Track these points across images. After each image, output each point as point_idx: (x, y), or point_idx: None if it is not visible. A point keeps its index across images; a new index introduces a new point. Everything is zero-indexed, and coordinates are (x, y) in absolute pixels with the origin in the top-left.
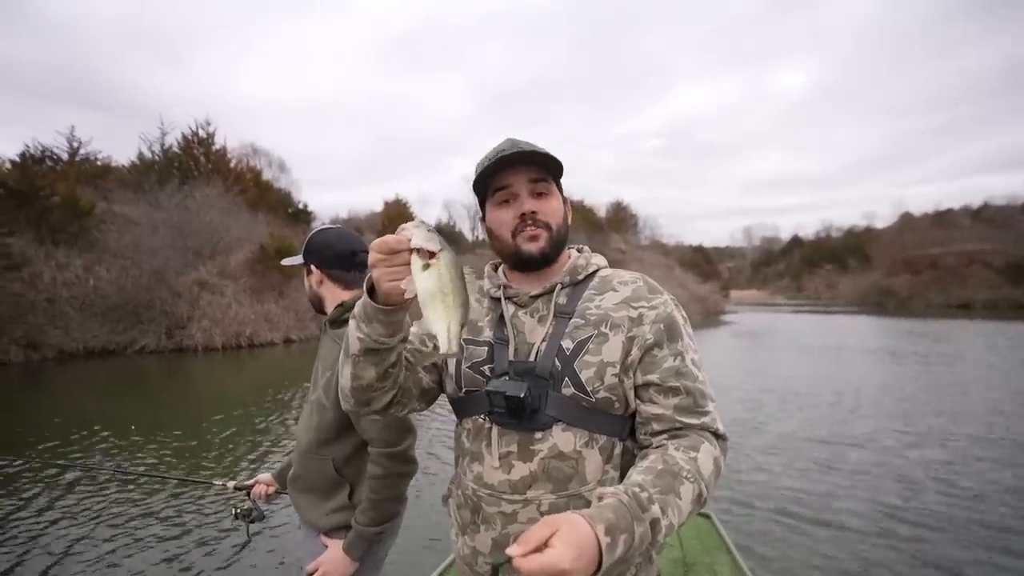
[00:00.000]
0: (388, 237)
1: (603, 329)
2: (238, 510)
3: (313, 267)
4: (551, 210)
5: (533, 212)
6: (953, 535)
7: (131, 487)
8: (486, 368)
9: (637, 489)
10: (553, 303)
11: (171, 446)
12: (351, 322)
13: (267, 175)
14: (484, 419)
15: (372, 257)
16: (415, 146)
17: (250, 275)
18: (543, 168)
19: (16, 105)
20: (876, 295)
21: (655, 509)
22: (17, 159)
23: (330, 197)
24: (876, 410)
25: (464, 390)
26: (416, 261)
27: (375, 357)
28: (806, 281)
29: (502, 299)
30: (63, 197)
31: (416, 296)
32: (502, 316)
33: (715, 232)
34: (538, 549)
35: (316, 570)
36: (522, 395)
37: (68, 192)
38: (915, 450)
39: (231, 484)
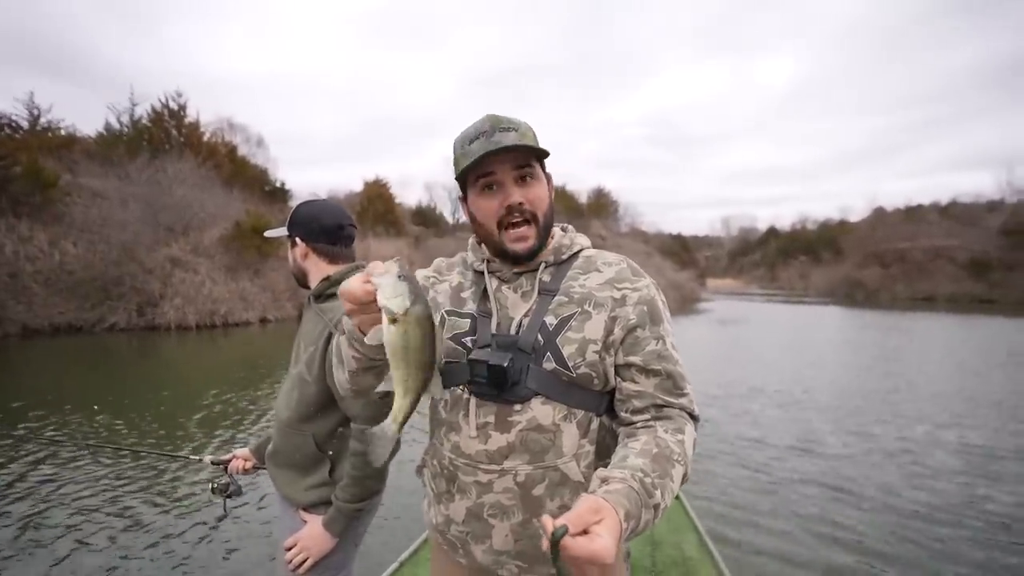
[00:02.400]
0: (356, 288)
1: (586, 307)
2: (215, 484)
3: (298, 240)
4: (537, 198)
5: (520, 203)
6: (903, 512)
7: (104, 462)
8: (468, 340)
9: (641, 475)
10: (537, 280)
11: (144, 423)
12: (343, 339)
13: (243, 151)
14: (462, 390)
15: (345, 306)
16: (396, 127)
17: (225, 253)
18: (528, 153)
19: None
20: (846, 287)
21: (658, 495)
22: None
23: (309, 176)
24: (837, 398)
25: (444, 360)
26: (383, 311)
27: (373, 370)
28: (780, 271)
29: (485, 273)
30: (25, 167)
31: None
32: (485, 290)
33: (694, 221)
34: (583, 533)
35: (294, 545)
36: (505, 364)
37: (30, 162)
38: (873, 434)
39: (208, 458)
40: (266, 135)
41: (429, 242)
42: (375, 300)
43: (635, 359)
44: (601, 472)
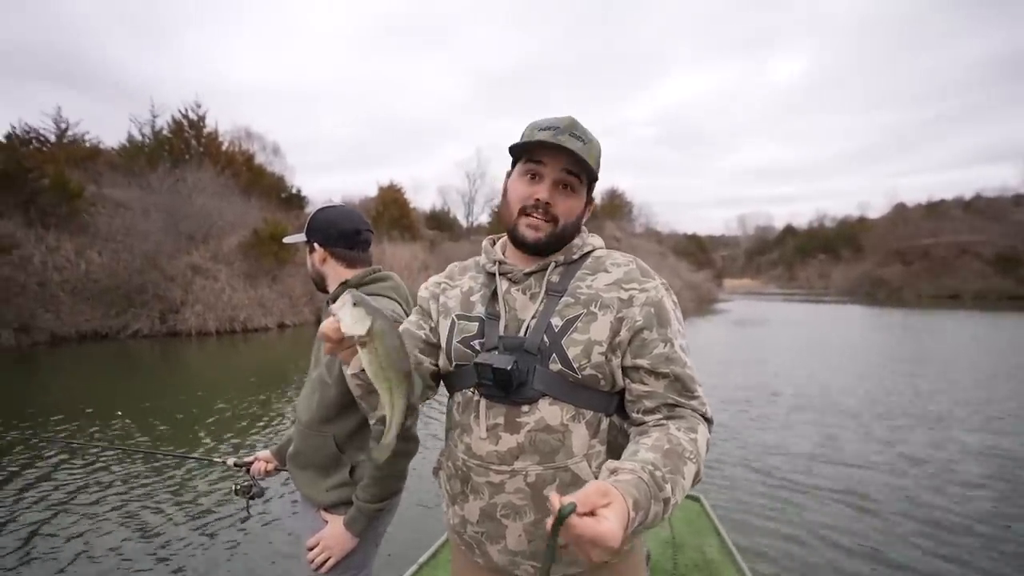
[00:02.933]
0: (326, 328)
1: (592, 308)
2: (238, 486)
3: (316, 245)
4: (566, 208)
5: (547, 203)
6: (927, 521)
7: (129, 465)
8: (476, 343)
9: (652, 467)
10: (545, 281)
11: (166, 427)
12: (345, 369)
13: (260, 159)
14: (473, 392)
15: (324, 348)
16: (408, 131)
17: (243, 260)
18: (579, 164)
19: None
20: (867, 285)
21: (668, 489)
22: (4, 140)
23: (323, 182)
24: (861, 399)
25: (455, 364)
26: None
27: (375, 392)
28: (799, 270)
29: (496, 274)
30: (52, 179)
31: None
32: (495, 292)
33: (710, 220)
34: (590, 514)
35: (316, 544)
36: (509, 368)
37: (57, 174)
38: (898, 440)
39: (231, 461)
40: (281, 142)
41: (444, 246)
42: (341, 337)
43: (642, 362)
44: (611, 463)
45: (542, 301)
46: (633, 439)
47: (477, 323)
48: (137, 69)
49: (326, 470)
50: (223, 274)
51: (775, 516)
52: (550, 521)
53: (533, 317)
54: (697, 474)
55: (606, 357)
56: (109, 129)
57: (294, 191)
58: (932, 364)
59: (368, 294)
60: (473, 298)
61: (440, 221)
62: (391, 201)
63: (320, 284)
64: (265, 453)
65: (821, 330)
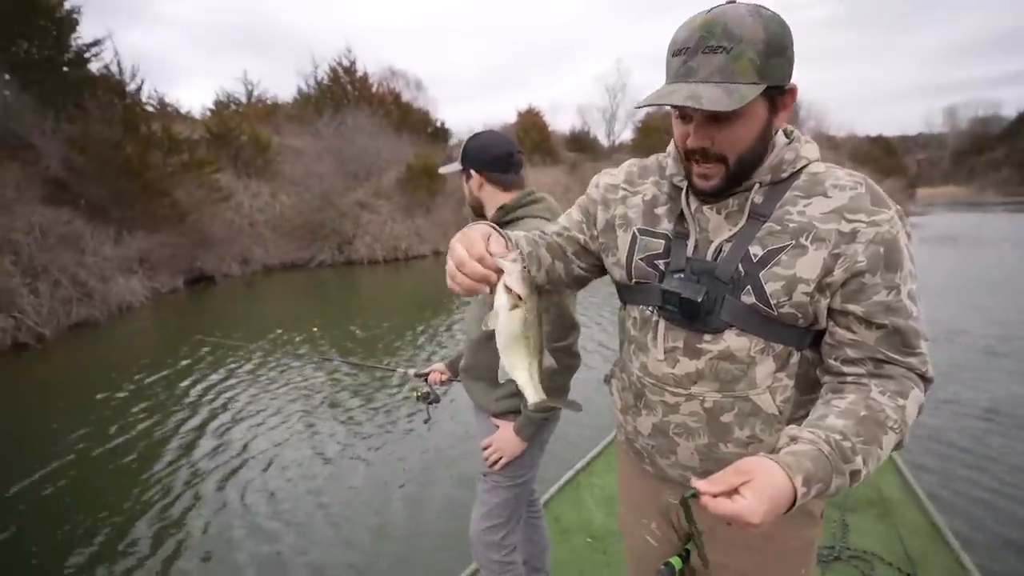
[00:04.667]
0: (472, 265)
1: (802, 240)
2: (419, 393)
3: (473, 172)
4: (731, 140)
5: (703, 149)
6: None
7: (324, 372)
8: (661, 263)
9: (839, 437)
10: (748, 202)
11: (351, 343)
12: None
13: (406, 96)
14: (652, 312)
15: (450, 264)
16: (545, 51)
17: (400, 194)
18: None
19: (196, 60)
20: None
21: (858, 461)
22: (213, 107)
23: (463, 111)
24: None
25: (634, 280)
26: (503, 297)
27: None
28: None
29: (685, 190)
30: (249, 135)
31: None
32: (684, 207)
33: (902, 117)
34: (727, 494)
35: (490, 446)
36: (699, 299)
37: (252, 131)
38: None
39: (411, 372)
40: (423, 76)
41: (585, 167)
42: (493, 272)
43: (855, 308)
44: (791, 430)
45: (742, 224)
46: (823, 398)
47: (663, 241)
48: (299, 26)
49: (495, 382)
50: (384, 208)
51: (964, 456)
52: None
53: (728, 241)
54: (899, 444)
55: (811, 297)
56: (282, 85)
57: (439, 125)
58: None
59: (524, 216)
60: (658, 210)
61: (580, 142)
62: (530, 126)
63: (478, 210)
64: (440, 365)
65: None
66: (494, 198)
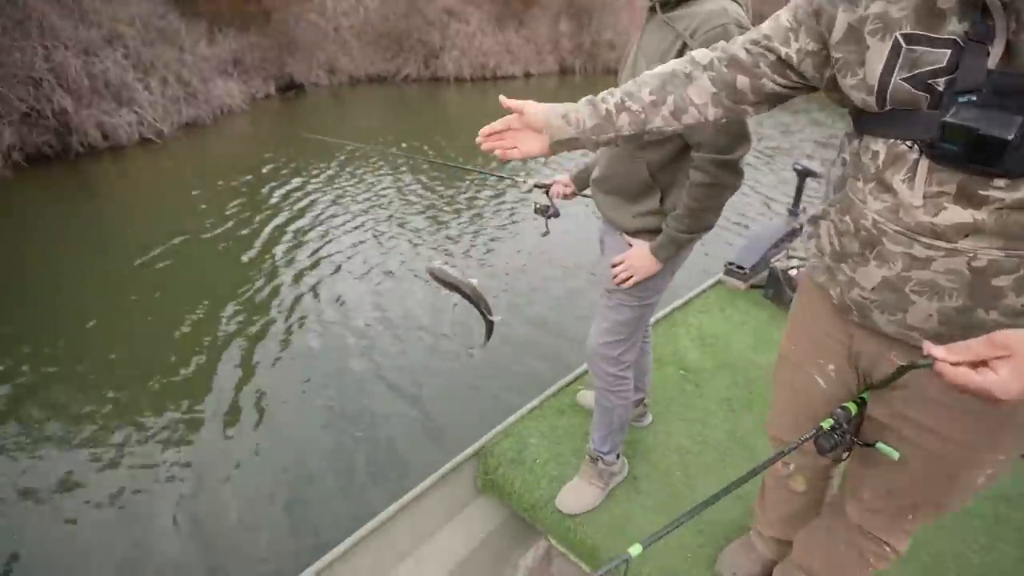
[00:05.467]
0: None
1: None
2: (538, 205)
3: None
4: None
5: None
6: None
7: (433, 176)
8: (940, 81)
9: None
10: None
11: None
12: None
13: None
14: (908, 146)
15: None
16: None
17: (491, 2)
18: None
19: None
20: None
21: None
22: None
23: None
24: None
25: (887, 106)
26: None
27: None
28: None
29: None
30: None
31: None
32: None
33: None
34: (972, 365)
35: (621, 263)
36: (1009, 137)
37: None
38: None
39: (531, 182)
40: None
41: None
42: None
43: None
44: None
45: None
46: None
47: (948, 50)
48: None
49: (633, 197)
50: (474, 17)
51: None
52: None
53: None
54: None
55: None
56: None
57: None
58: None
59: None
60: (943, 3)
61: None
62: None
63: None
64: (564, 177)
65: None
66: None
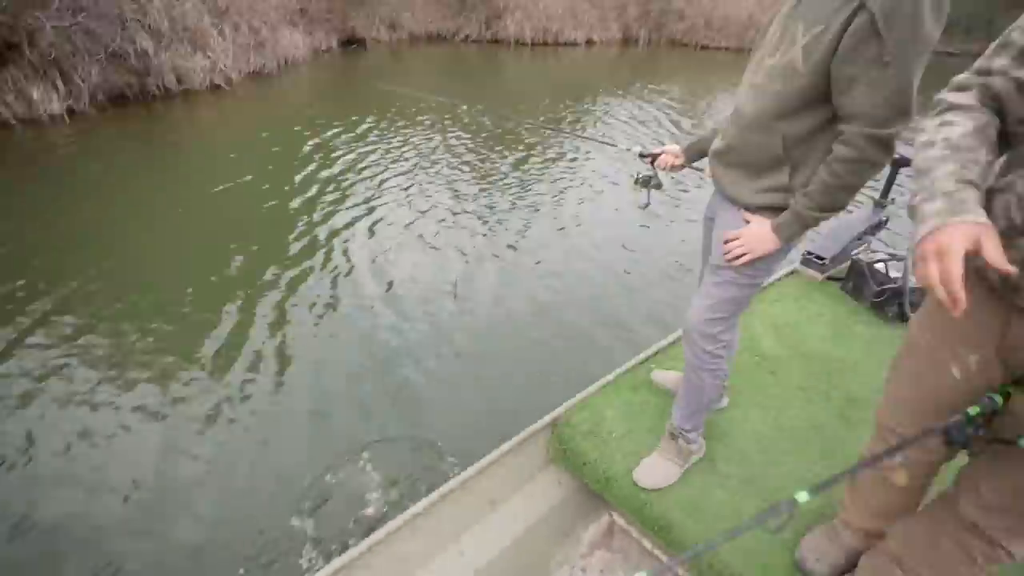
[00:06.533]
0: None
1: None
2: (640, 176)
3: None
4: None
5: None
6: None
7: (539, 138)
8: None
9: None
10: None
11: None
12: None
13: None
14: None
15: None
16: None
17: None
18: None
19: None
20: None
21: None
22: None
23: None
24: None
25: None
26: None
27: None
28: None
29: None
30: None
31: None
32: None
33: None
34: None
35: (737, 239)
36: None
37: None
38: None
39: (636, 149)
40: None
41: None
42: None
43: None
44: None
45: None
46: None
47: None
48: None
49: (760, 171)
50: None
51: None
52: None
53: None
54: None
55: None
56: None
57: None
58: None
59: None
60: None
61: None
62: None
63: None
64: (674, 147)
65: None
66: None
